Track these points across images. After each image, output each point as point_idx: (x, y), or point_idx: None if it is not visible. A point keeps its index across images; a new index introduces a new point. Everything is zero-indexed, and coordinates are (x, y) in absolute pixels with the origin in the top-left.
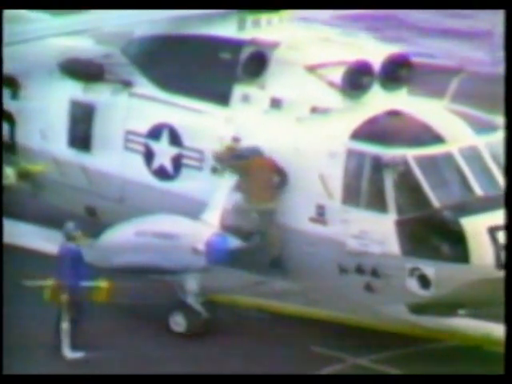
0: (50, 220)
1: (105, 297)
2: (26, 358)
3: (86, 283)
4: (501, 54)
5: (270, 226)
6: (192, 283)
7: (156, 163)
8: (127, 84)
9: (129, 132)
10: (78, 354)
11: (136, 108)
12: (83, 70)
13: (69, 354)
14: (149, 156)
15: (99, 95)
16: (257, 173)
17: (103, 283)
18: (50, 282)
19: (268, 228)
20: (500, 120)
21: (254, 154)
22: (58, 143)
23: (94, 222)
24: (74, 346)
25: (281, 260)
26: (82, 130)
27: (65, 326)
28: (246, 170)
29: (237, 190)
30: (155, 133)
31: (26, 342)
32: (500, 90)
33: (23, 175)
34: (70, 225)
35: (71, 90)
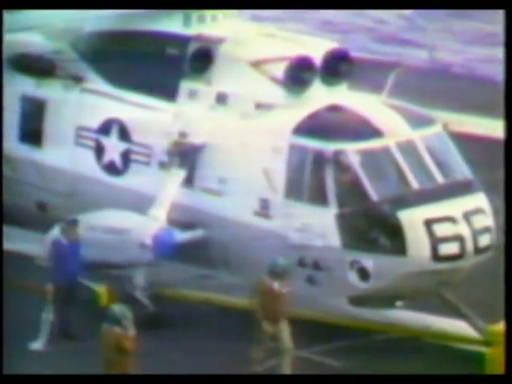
0: None
1: (106, 301)
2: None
3: (80, 281)
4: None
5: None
6: (139, 277)
7: (106, 158)
8: (78, 79)
9: (80, 127)
10: (37, 346)
11: (87, 103)
12: (34, 66)
13: (32, 344)
14: (99, 151)
15: (50, 91)
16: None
17: (100, 288)
18: None
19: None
20: (434, 114)
21: (200, 150)
22: (8, 139)
23: (45, 217)
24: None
25: None
26: (33, 126)
27: (45, 316)
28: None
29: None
30: (105, 128)
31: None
32: (435, 84)
33: None
34: (69, 219)
35: (22, 86)
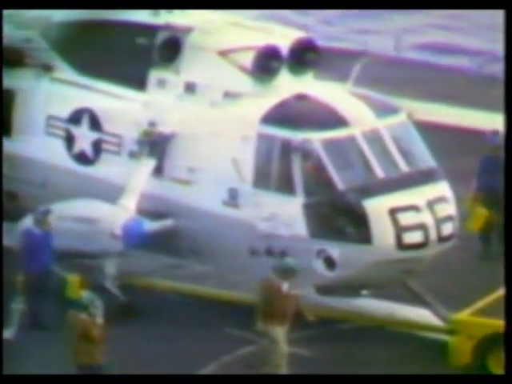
0: None
1: (76, 291)
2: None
3: (53, 270)
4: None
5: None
6: (110, 267)
7: (77, 148)
8: (48, 69)
9: (50, 117)
10: (6, 335)
11: (57, 93)
12: (3, 55)
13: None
14: (69, 141)
15: (20, 80)
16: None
17: (73, 277)
18: None
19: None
20: (399, 103)
21: (170, 139)
22: None
23: (15, 207)
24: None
25: None
26: (2, 115)
27: (15, 306)
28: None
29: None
30: (76, 117)
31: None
32: (400, 73)
33: None
34: (42, 209)
35: None
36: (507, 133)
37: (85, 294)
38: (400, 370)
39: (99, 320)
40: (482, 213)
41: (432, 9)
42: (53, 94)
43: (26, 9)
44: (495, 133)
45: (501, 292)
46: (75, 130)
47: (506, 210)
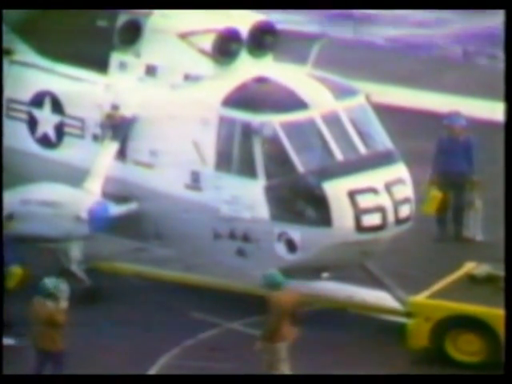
0: None
1: (16, 283)
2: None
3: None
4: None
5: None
6: (75, 251)
7: (39, 131)
8: (8, 52)
9: (11, 100)
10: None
11: (17, 76)
12: None
13: None
14: (32, 124)
15: None
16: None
17: (17, 269)
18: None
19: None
20: (357, 85)
21: (132, 122)
22: None
23: None
24: None
25: None
26: None
27: None
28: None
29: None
30: (38, 100)
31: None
32: (359, 55)
33: None
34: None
35: None
36: (507, 125)
37: (48, 281)
38: (359, 353)
39: (64, 304)
40: (436, 195)
41: (432, 9)
42: (13, 77)
43: (26, 9)
44: (456, 114)
45: (457, 274)
46: (37, 113)
47: (506, 208)
